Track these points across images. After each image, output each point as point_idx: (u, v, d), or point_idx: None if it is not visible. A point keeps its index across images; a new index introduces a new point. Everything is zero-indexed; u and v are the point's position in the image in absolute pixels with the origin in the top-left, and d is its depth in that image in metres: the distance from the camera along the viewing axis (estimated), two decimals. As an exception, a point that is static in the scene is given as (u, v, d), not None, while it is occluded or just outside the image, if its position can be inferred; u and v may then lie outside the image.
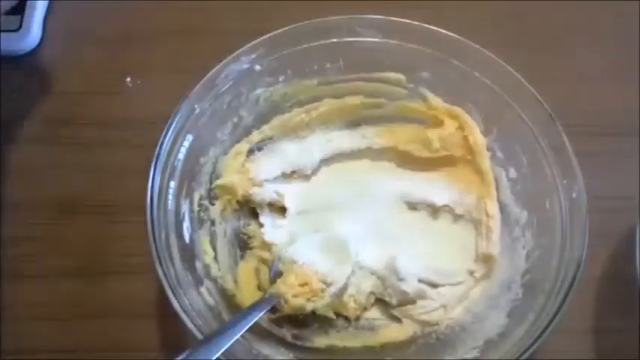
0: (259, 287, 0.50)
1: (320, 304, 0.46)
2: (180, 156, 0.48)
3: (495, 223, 0.50)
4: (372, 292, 0.49)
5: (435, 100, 0.53)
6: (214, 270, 0.48)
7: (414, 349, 0.47)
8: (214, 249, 0.49)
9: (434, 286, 0.49)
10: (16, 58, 0.61)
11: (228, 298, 0.48)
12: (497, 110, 0.51)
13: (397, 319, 0.49)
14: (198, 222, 0.49)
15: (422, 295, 0.48)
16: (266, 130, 0.54)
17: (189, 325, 0.41)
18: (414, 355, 0.46)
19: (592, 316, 0.50)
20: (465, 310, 0.48)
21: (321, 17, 0.52)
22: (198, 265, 0.47)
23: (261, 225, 0.52)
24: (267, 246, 0.50)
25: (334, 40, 0.52)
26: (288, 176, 0.54)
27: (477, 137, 0.52)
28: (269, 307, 0.45)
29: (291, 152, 0.54)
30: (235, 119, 0.52)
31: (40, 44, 0.62)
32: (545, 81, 0.49)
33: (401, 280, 0.48)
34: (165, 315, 0.49)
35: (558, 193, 0.47)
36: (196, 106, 0.49)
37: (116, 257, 0.52)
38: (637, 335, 0.49)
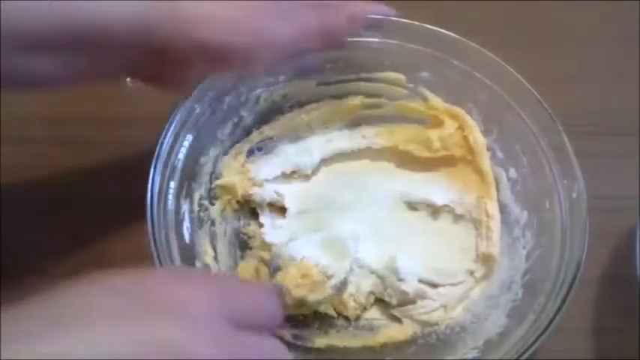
0: (259, 287, 0.49)
1: (322, 297, 0.45)
2: (180, 156, 0.48)
3: (495, 223, 0.50)
4: (372, 292, 0.49)
5: (435, 100, 0.53)
6: (214, 270, 0.48)
7: (414, 349, 0.47)
8: (214, 249, 0.49)
9: (434, 286, 0.49)
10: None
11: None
12: (498, 110, 0.51)
13: (397, 319, 0.48)
14: (198, 222, 0.49)
15: (422, 295, 0.48)
16: (266, 130, 0.54)
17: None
18: (414, 355, 0.46)
19: (592, 316, 0.50)
20: (465, 310, 0.48)
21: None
22: (199, 265, 0.47)
23: (261, 225, 0.52)
24: (267, 246, 0.50)
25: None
26: (288, 176, 0.54)
27: (477, 137, 0.52)
28: None
29: (291, 152, 0.54)
30: (235, 119, 0.52)
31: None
32: (545, 81, 0.49)
33: (401, 280, 0.48)
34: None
35: (558, 193, 0.47)
36: (196, 106, 0.49)
37: (116, 257, 0.52)
38: (637, 335, 0.49)
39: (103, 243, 0.53)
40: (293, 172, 0.54)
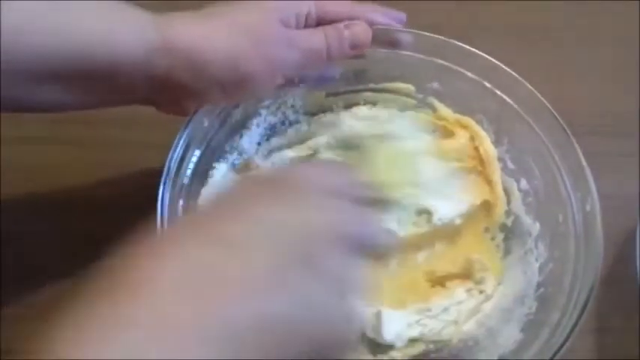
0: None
1: None
2: (189, 172, 0.47)
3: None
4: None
5: (445, 111, 0.53)
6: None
7: (426, 366, 0.46)
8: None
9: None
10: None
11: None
12: (508, 121, 0.51)
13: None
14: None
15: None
16: (275, 141, 0.53)
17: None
18: (427, 372, 0.46)
19: (592, 316, 0.50)
20: (477, 324, 0.47)
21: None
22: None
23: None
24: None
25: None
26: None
27: (488, 148, 0.52)
28: None
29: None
30: (244, 131, 0.52)
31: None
32: (544, 81, 0.49)
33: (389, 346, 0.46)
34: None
35: (572, 206, 0.46)
36: (205, 119, 0.49)
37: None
38: (637, 335, 0.49)
39: (103, 243, 0.52)
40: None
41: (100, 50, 0.40)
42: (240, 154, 0.52)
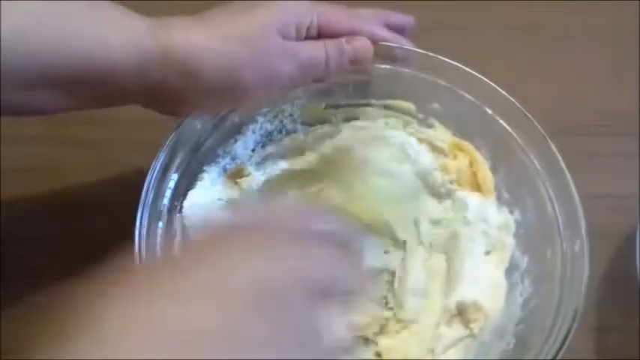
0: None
1: None
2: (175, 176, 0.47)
3: None
4: None
5: (444, 133, 0.52)
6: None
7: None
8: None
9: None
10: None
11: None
12: (507, 149, 0.49)
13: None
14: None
15: None
16: (269, 149, 0.53)
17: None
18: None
19: (592, 316, 0.49)
20: (455, 355, 0.46)
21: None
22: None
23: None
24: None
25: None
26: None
27: (487, 175, 0.51)
28: None
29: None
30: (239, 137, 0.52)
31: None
32: (544, 81, 0.48)
33: None
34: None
35: (561, 243, 0.45)
36: (197, 121, 0.48)
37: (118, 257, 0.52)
38: (637, 335, 0.48)
39: (104, 243, 0.52)
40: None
41: (94, 57, 0.40)
42: (232, 159, 0.52)
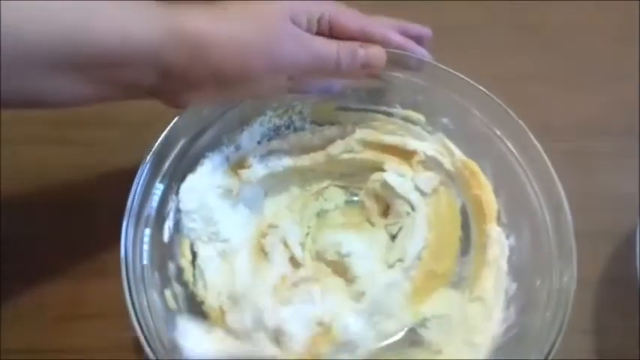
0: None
1: None
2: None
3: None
4: None
5: (456, 151, 0.51)
6: (188, 274, 0.48)
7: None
8: (193, 253, 0.49)
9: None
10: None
11: (196, 305, 0.47)
12: (510, 172, 0.49)
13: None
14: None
15: None
16: (275, 144, 0.53)
17: (135, 324, 0.41)
18: None
19: (592, 317, 0.50)
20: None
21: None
22: (171, 266, 0.47)
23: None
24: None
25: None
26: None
27: (490, 198, 0.50)
28: None
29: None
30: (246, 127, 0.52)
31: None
32: (544, 81, 0.49)
33: None
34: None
35: (551, 274, 0.44)
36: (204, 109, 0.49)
37: (117, 257, 0.52)
38: (637, 335, 0.48)
39: (104, 243, 0.52)
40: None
41: (111, 40, 0.40)
42: (237, 148, 0.52)
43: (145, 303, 0.43)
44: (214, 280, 0.48)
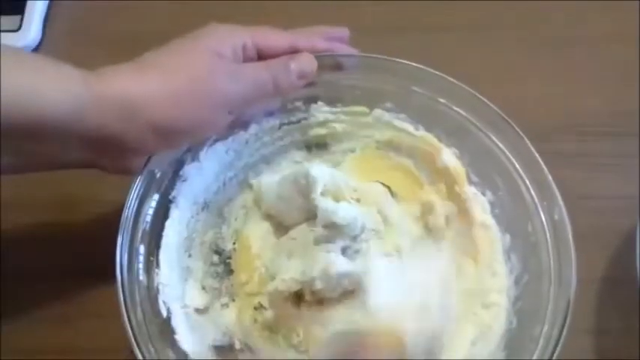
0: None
1: None
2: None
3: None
4: None
5: (406, 127, 0.52)
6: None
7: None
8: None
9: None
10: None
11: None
12: (466, 134, 0.50)
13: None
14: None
15: None
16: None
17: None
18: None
19: (592, 317, 0.50)
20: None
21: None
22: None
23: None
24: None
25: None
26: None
27: (453, 162, 0.50)
28: None
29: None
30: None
31: (40, 44, 0.63)
32: (544, 81, 0.48)
33: None
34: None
35: (539, 215, 0.46)
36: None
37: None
38: (637, 335, 0.49)
39: (105, 243, 0.50)
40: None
41: (25, 106, 0.38)
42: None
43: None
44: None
